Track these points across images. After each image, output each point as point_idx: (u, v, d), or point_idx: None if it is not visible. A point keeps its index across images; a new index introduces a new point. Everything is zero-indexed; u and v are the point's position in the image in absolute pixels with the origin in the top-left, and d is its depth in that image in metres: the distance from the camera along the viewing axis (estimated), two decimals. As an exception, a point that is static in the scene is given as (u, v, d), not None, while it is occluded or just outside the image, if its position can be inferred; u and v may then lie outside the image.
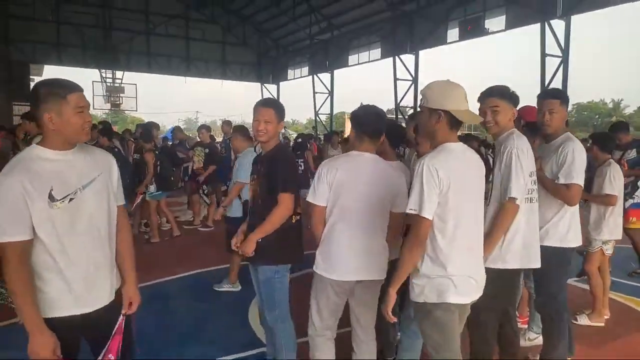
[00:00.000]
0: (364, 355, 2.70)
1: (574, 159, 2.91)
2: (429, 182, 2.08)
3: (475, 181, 2.28)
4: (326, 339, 2.69)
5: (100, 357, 1.96)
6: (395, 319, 2.33)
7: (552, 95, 3.19)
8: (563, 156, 2.95)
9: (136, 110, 23.88)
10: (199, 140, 8.53)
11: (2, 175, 1.78)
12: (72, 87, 1.86)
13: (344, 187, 2.51)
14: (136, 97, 22.95)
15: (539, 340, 3.67)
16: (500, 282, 2.64)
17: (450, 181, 2.10)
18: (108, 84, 22.43)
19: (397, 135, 3.14)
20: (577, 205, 3.09)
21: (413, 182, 2.15)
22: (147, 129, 7.60)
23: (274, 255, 2.66)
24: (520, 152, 2.62)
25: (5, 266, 1.76)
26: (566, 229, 3.04)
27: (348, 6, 19.21)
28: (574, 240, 3.09)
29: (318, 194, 2.56)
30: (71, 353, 1.95)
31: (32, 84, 23.47)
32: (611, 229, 4.19)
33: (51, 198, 1.80)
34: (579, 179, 2.91)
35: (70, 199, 1.85)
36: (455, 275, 2.16)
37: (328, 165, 2.58)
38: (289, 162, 2.82)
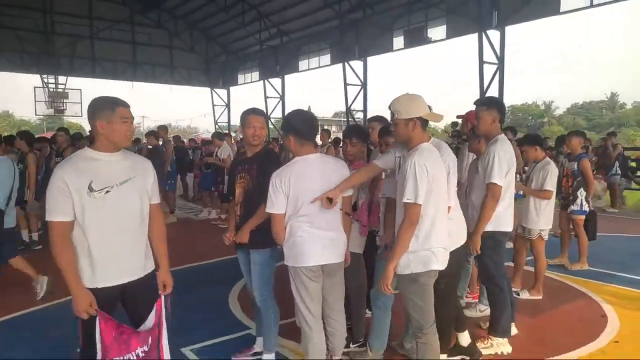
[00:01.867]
0: (336, 328, 3.03)
1: (494, 162, 3.37)
2: (421, 176, 2.55)
3: (444, 173, 2.79)
4: (320, 336, 2.90)
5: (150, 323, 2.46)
6: (393, 291, 2.72)
7: (476, 103, 3.67)
8: (487, 159, 3.45)
9: (81, 116, 23.13)
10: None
11: (55, 168, 2.27)
12: (120, 103, 2.32)
13: (301, 191, 2.74)
14: (81, 103, 22.25)
15: (488, 311, 4.24)
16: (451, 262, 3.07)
17: (434, 174, 2.61)
18: (51, 90, 21.65)
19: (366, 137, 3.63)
20: (511, 197, 3.58)
21: (406, 177, 2.58)
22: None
23: (269, 239, 3.01)
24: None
25: (51, 242, 2.20)
26: (497, 217, 3.48)
27: (297, 14, 19.73)
28: (504, 225, 3.57)
29: (277, 204, 2.76)
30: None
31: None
32: (547, 219, 4.84)
33: (90, 189, 2.23)
34: (497, 179, 3.36)
35: (107, 192, 2.26)
36: (435, 248, 2.67)
37: (280, 176, 2.76)
38: (278, 159, 3.22)
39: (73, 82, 22.46)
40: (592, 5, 12.22)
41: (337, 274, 2.97)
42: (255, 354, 3.46)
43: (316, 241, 2.80)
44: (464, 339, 3.49)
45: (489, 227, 3.49)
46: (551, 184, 4.77)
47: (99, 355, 2.24)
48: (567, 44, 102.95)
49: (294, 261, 2.84)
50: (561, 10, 12.79)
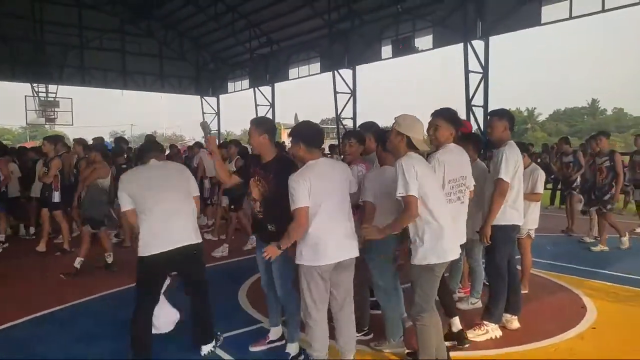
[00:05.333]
0: (345, 315, 3.29)
1: (502, 161, 3.80)
2: (409, 172, 2.91)
3: (434, 175, 3.21)
4: (324, 329, 3.18)
5: None
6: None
7: (490, 114, 4.15)
8: (496, 159, 3.87)
9: (72, 124, 23.15)
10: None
11: None
12: None
13: (319, 191, 3.03)
14: (72, 111, 22.31)
15: (479, 304, 4.63)
16: None
17: (422, 173, 2.98)
18: (42, 99, 21.70)
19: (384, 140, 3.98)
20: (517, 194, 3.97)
21: (397, 177, 2.95)
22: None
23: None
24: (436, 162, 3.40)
25: None
26: (505, 211, 3.88)
27: (287, 23, 20.06)
28: (514, 219, 3.96)
29: (302, 198, 2.98)
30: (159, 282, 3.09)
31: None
32: (534, 219, 5.23)
33: None
34: (503, 175, 3.76)
35: None
36: (446, 240, 3.05)
37: (299, 177, 3.04)
38: (294, 168, 3.32)
39: (64, 91, 22.53)
40: (571, 17, 12.80)
41: (348, 270, 3.28)
42: (270, 342, 3.78)
43: (335, 238, 3.10)
44: (455, 325, 3.86)
45: (499, 221, 3.88)
46: (540, 188, 5.18)
47: None
48: (549, 52, 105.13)
49: (311, 261, 3.08)
50: (542, 22, 13.37)
